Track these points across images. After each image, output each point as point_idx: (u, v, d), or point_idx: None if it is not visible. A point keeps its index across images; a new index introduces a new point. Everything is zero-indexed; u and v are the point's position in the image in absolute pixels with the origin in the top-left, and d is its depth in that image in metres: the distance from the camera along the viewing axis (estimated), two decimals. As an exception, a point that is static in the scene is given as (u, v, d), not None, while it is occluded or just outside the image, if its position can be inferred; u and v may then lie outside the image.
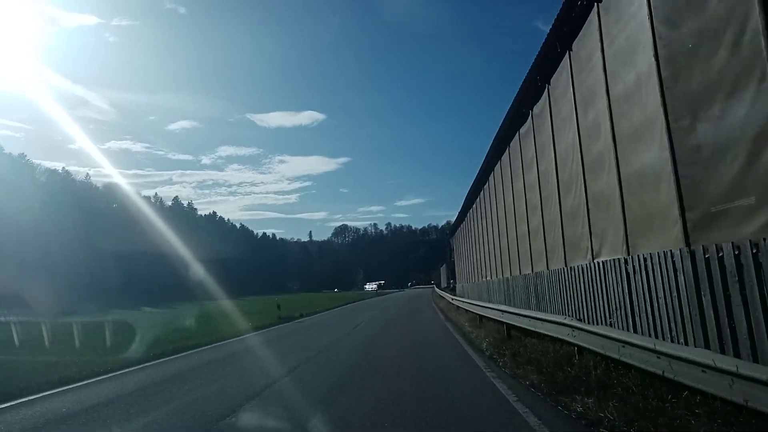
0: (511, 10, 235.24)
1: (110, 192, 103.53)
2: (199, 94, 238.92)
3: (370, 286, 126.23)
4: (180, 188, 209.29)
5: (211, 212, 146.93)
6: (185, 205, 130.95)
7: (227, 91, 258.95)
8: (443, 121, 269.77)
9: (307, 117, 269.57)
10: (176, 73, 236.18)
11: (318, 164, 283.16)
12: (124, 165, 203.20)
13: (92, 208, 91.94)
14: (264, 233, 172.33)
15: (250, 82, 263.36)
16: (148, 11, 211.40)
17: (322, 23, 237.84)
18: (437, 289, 53.82)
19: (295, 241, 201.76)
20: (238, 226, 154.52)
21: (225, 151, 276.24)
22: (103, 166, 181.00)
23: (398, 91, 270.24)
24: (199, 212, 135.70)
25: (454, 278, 46.47)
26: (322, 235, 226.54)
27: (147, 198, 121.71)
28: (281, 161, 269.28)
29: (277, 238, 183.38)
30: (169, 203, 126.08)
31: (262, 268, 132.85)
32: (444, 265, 72.46)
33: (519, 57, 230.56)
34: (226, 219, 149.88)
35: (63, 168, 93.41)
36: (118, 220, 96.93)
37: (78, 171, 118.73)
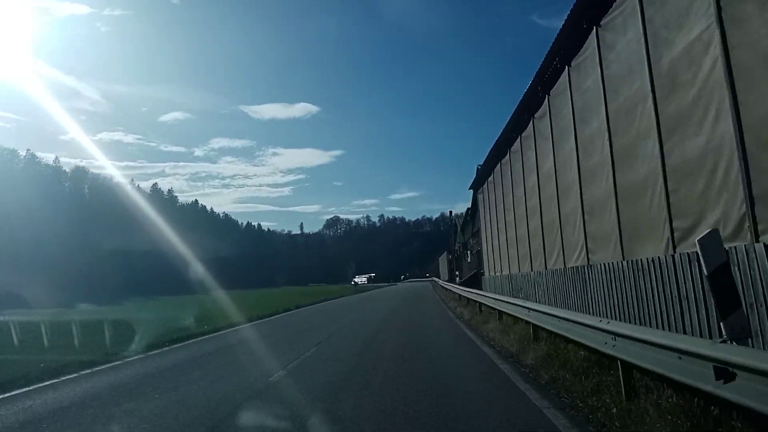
0: (507, 8, 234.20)
1: (80, 176, 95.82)
2: (191, 86, 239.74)
3: (360, 280, 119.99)
4: (173, 180, 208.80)
5: (193, 200, 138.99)
6: (165, 192, 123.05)
7: (220, 83, 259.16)
8: (438, 116, 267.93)
9: (301, 109, 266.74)
10: (169, 64, 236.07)
11: (312, 157, 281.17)
12: (116, 156, 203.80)
13: (55, 192, 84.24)
14: (248, 223, 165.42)
15: (244, 73, 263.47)
16: (141, 1, 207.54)
17: (316, 16, 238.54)
18: (442, 283, 37.68)
19: (285, 233, 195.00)
20: (221, 215, 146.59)
21: (218, 143, 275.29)
22: (96, 158, 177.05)
23: (393, 85, 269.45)
24: (180, 201, 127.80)
25: (460, 270, 38.94)
26: (314, 228, 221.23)
27: (123, 185, 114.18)
28: (275, 154, 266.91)
29: (263, 228, 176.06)
30: (148, 191, 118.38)
31: (248, 260, 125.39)
32: (445, 254, 64.46)
33: (514, 54, 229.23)
34: (208, 208, 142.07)
35: (28, 150, 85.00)
36: (88, 207, 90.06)
37: (45, 156, 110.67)
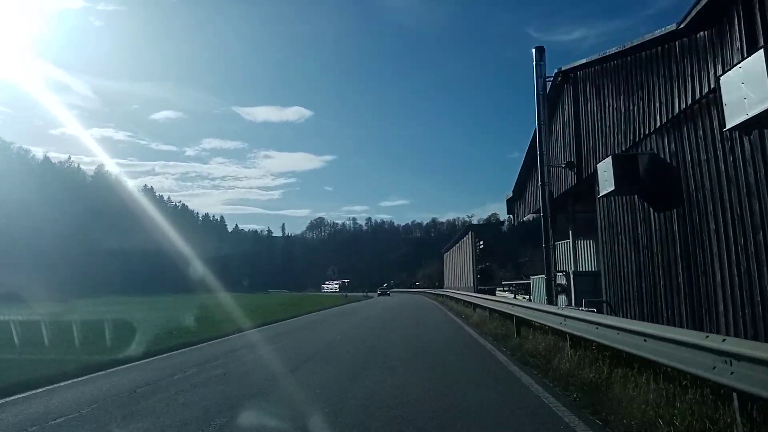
0: (503, 17, 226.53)
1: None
2: (184, 84, 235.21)
3: (330, 286, 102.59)
4: (162, 179, 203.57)
5: (146, 186, 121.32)
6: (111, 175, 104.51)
7: (213, 83, 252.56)
8: (430, 125, 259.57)
9: (295, 113, 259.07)
10: (162, 61, 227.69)
11: (303, 161, 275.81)
12: (105, 153, 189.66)
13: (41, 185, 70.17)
14: (206, 215, 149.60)
15: (237, 74, 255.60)
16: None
17: (312, 20, 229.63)
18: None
19: (265, 234, 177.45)
20: (178, 205, 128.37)
21: (209, 143, 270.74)
22: (86, 154, 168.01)
23: (387, 92, 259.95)
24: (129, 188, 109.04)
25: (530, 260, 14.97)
26: (297, 230, 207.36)
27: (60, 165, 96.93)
28: (266, 156, 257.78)
29: (225, 223, 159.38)
30: (91, 174, 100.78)
31: (210, 260, 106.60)
32: (467, 237, 40.09)
33: (508, 65, 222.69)
34: (166, 197, 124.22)
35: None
36: (59, 197, 75.28)
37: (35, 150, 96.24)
